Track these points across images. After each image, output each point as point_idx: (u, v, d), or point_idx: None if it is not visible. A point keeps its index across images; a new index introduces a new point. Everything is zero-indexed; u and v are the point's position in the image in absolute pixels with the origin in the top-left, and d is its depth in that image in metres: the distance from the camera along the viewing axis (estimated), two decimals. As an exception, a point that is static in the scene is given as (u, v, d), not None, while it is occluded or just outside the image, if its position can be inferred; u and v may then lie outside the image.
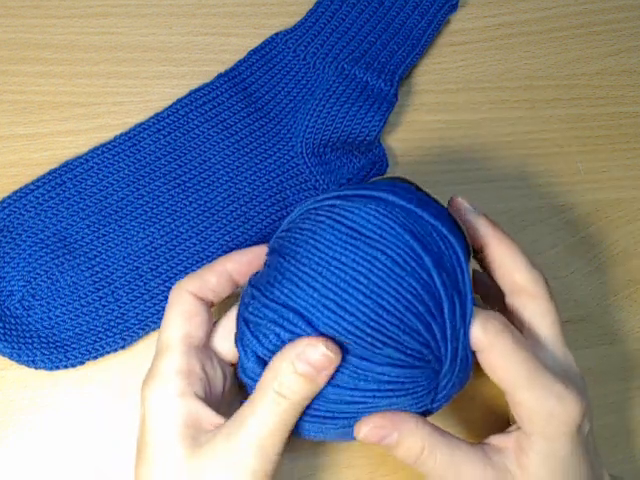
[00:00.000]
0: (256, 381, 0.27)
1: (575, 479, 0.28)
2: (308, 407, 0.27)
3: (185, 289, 0.30)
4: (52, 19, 0.41)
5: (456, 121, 0.43)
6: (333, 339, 0.26)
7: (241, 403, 0.28)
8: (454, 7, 0.43)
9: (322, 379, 0.26)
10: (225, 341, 0.31)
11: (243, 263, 0.31)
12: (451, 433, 0.29)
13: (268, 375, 0.27)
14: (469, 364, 0.28)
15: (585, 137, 0.43)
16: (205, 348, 0.30)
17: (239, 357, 0.28)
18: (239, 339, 0.28)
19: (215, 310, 0.32)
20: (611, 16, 0.46)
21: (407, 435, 0.27)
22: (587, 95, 0.44)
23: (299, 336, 0.26)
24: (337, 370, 0.26)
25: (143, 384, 0.29)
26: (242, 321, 0.28)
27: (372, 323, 0.25)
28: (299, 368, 0.26)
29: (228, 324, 0.31)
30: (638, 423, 0.38)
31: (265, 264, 0.29)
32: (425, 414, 0.29)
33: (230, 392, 0.32)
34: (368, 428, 0.27)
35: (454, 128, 0.43)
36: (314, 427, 0.28)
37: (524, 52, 0.45)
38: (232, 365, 0.32)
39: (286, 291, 0.26)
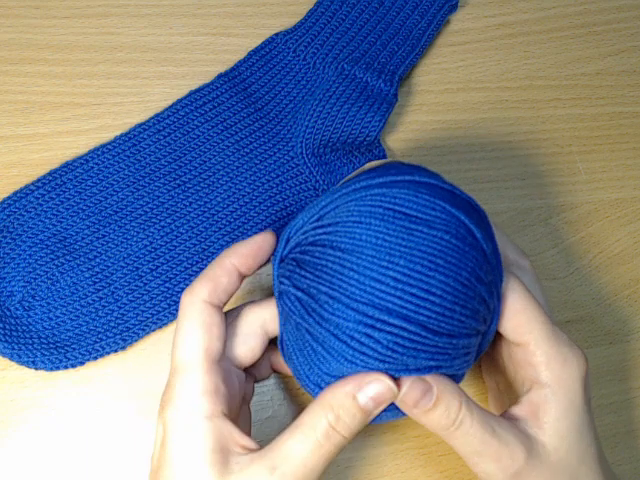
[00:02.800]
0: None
1: (588, 430, 0.29)
2: None
3: (198, 297, 0.28)
4: (52, 19, 0.41)
5: (456, 121, 0.43)
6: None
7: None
8: (454, 7, 0.43)
9: (374, 415, 0.26)
10: (241, 345, 0.30)
11: (248, 256, 0.29)
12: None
13: (323, 405, 0.26)
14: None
15: (585, 137, 0.43)
16: (222, 359, 0.29)
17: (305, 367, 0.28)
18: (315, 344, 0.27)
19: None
20: (611, 16, 0.46)
21: (445, 391, 0.27)
22: (587, 95, 0.44)
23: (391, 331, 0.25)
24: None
25: (162, 405, 0.28)
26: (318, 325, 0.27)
27: (456, 299, 0.26)
28: (361, 400, 0.26)
29: (246, 329, 0.30)
30: (638, 423, 0.38)
31: (304, 260, 0.28)
32: None
33: (244, 400, 0.31)
34: (409, 383, 0.26)
35: (454, 128, 0.43)
36: None
37: (524, 52, 0.45)
38: (245, 370, 0.31)
39: (367, 288, 0.25)
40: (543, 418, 0.28)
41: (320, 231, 0.27)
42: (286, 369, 0.32)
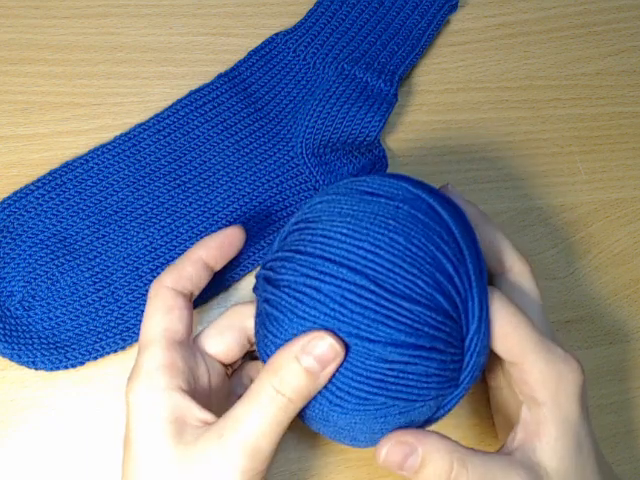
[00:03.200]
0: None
1: (586, 441, 0.28)
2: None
3: (162, 284, 0.30)
4: (52, 19, 0.41)
5: (456, 121, 0.43)
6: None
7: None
8: (454, 7, 0.43)
9: (324, 378, 0.26)
10: (215, 337, 0.31)
11: (214, 247, 0.31)
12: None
13: (267, 370, 0.26)
14: (487, 349, 0.28)
15: (585, 137, 0.43)
16: (187, 342, 0.30)
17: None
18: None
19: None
20: (611, 16, 0.46)
21: (432, 450, 0.26)
22: (587, 95, 0.44)
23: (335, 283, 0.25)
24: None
25: (127, 382, 0.29)
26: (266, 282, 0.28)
27: (406, 257, 0.25)
28: (304, 362, 0.25)
29: (223, 323, 0.31)
30: (638, 423, 0.38)
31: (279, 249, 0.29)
32: (431, 421, 0.28)
33: (221, 392, 0.31)
34: (388, 447, 0.26)
35: (454, 128, 0.43)
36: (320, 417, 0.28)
37: (524, 52, 0.45)
38: (225, 365, 0.32)
39: (317, 245, 0.26)
40: (543, 439, 0.28)
41: (293, 222, 0.29)
42: None
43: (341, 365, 0.25)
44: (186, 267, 0.31)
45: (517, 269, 0.32)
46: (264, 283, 0.28)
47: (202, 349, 0.31)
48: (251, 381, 0.33)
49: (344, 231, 0.26)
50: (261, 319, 0.28)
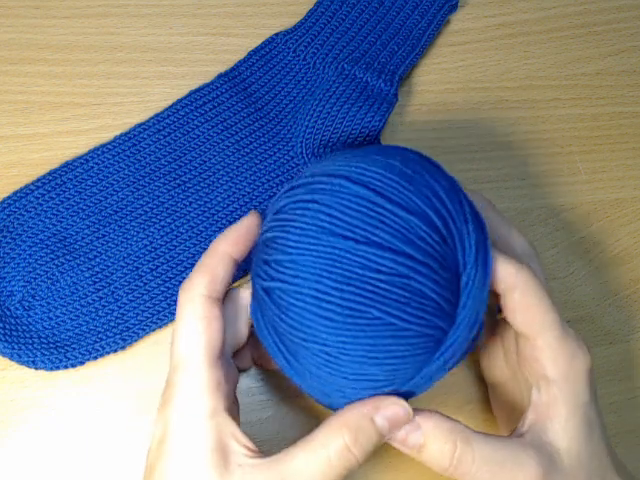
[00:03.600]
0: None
1: (596, 425, 0.29)
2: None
3: (197, 292, 0.28)
4: (52, 19, 0.41)
5: (456, 121, 0.43)
6: None
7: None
8: (454, 7, 0.43)
9: (388, 437, 0.26)
10: (228, 329, 0.29)
11: (239, 241, 0.29)
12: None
13: (341, 424, 0.26)
14: (481, 321, 0.27)
15: (585, 137, 0.43)
16: (223, 353, 0.28)
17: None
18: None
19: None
20: (611, 16, 0.46)
21: (435, 428, 0.26)
22: (587, 95, 0.44)
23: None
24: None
25: (164, 404, 0.27)
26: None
27: (403, 177, 0.26)
28: (378, 422, 0.25)
29: (228, 312, 0.29)
30: (638, 423, 0.38)
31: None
32: (408, 395, 0.28)
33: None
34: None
35: (454, 128, 0.43)
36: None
37: (524, 52, 0.45)
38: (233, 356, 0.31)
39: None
40: (554, 419, 0.28)
41: (271, 219, 0.28)
42: (267, 362, 0.32)
43: (333, 272, 0.25)
44: (217, 268, 0.28)
45: (526, 252, 0.32)
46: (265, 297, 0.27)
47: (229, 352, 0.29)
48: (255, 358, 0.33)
49: (338, 162, 0.27)
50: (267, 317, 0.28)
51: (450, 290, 0.26)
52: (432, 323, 0.26)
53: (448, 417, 0.27)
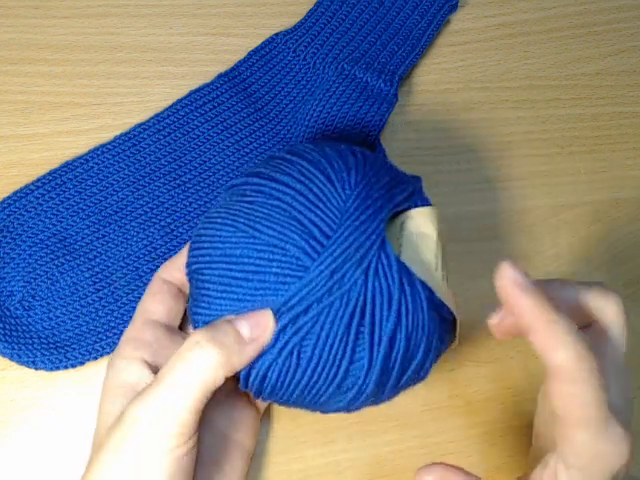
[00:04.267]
0: None
1: None
2: None
3: (157, 275, 0.32)
4: (52, 19, 0.41)
5: (456, 121, 0.43)
6: None
7: None
8: (454, 7, 0.44)
9: (252, 351, 0.26)
10: (157, 301, 0.32)
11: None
12: None
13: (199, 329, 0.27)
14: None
15: (585, 137, 0.43)
16: (169, 325, 0.31)
17: None
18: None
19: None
20: (611, 16, 0.46)
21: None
22: (587, 95, 0.44)
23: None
24: None
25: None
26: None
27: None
28: (237, 324, 0.26)
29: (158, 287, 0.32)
30: (638, 423, 0.38)
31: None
32: None
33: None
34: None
35: (454, 128, 0.43)
36: None
37: (524, 52, 0.45)
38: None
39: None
40: None
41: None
42: None
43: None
44: (180, 257, 0.32)
45: (608, 315, 0.27)
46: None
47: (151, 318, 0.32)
48: None
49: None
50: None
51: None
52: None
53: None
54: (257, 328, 0.26)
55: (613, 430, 0.25)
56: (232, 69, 0.41)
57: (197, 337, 0.25)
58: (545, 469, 0.26)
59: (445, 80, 0.44)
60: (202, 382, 0.25)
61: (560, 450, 0.26)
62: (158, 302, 0.31)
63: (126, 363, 0.29)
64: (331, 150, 0.29)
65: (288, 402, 0.28)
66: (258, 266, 0.26)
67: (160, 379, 0.25)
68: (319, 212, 0.26)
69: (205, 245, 0.28)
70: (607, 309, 0.27)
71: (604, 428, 0.24)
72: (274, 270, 0.26)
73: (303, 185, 0.27)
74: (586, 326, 0.27)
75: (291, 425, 0.35)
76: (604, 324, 0.27)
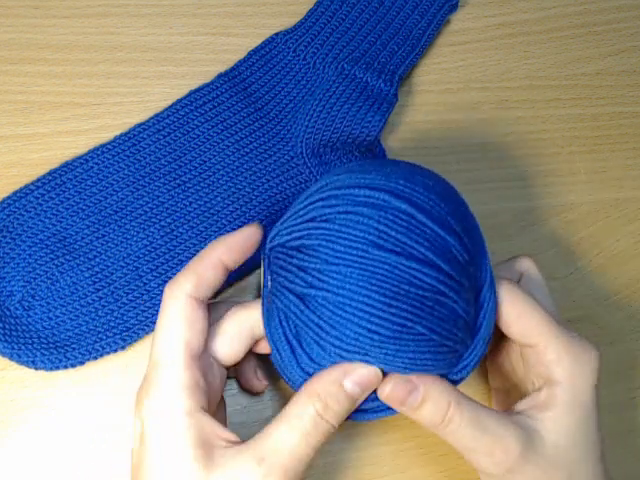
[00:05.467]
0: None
1: (594, 429, 0.29)
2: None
3: (182, 291, 0.28)
4: (52, 19, 0.41)
5: (456, 121, 0.43)
6: None
7: None
8: (454, 7, 0.43)
9: (360, 401, 0.27)
10: (226, 346, 0.29)
11: (235, 249, 0.29)
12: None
13: (310, 393, 0.26)
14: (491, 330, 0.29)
15: (585, 137, 0.43)
16: (203, 354, 0.28)
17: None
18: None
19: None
20: (611, 16, 0.46)
21: (433, 389, 0.27)
22: (587, 95, 0.44)
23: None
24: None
25: (140, 399, 0.27)
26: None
27: (439, 195, 0.27)
28: (347, 386, 0.26)
29: (231, 329, 0.29)
30: (638, 423, 0.38)
31: (292, 254, 0.28)
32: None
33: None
34: (393, 383, 0.26)
35: (454, 128, 0.43)
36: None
37: (524, 52, 0.45)
38: (227, 368, 0.31)
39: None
40: (547, 412, 0.28)
41: (308, 226, 0.28)
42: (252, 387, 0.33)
43: (382, 287, 0.25)
44: (207, 271, 0.28)
45: (524, 265, 0.33)
46: (289, 301, 0.27)
47: (213, 357, 0.29)
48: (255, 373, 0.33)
49: (377, 178, 0.27)
50: (289, 336, 0.28)
51: (472, 308, 0.28)
52: (460, 339, 0.27)
53: (442, 379, 0.28)
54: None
55: (571, 332, 0.29)
56: (232, 69, 0.41)
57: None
58: (533, 397, 0.29)
59: (445, 80, 0.44)
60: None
61: (544, 378, 0.29)
62: (200, 334, 0.28)
63: (192, 420, 0.26)
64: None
65: None
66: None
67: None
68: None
69: None
70: (523, 262, 0.33)
71: (566, 332, 0.29)
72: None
73: None
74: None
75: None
76: (526, 270, 0.33)
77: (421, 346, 0.26)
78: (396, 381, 0.27)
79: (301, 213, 0.28)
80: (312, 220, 0.27)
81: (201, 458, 0.26)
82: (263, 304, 0.29)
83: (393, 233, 0.26)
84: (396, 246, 0.26)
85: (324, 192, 0.28)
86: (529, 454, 0.28)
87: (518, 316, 0.29)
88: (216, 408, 0.30)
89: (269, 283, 0.29)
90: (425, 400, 0.27)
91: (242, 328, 0.29)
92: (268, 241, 0.30)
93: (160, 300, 0.36)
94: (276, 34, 0.42)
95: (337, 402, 0.26)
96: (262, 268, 0.30)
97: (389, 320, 0.25)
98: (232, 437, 0.27)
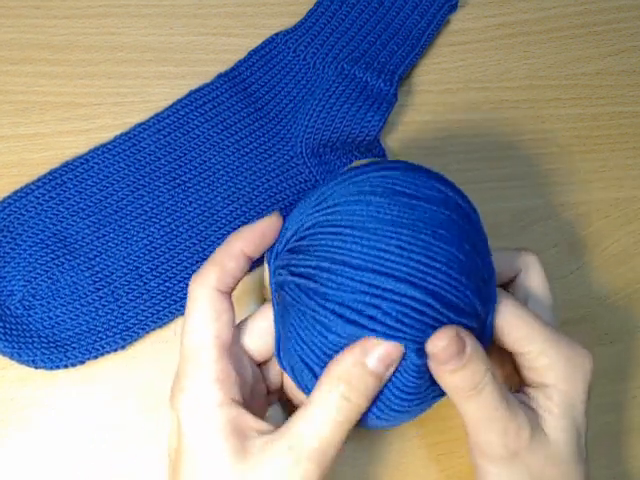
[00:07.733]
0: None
1: (583, 431, 0.29)
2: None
3: (207, 284, 0.28)
4: (53, 19, 0.42)
5: (456, 121, 0.43)
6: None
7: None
8: (454, 7, 0.44)
9: (387, 377, 0.26)
10: (257, 340, 0.30)
11: (255, 240, 0.29)
12: None
13: (331, 377, 0.26)
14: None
15: (585, 137, 0.43)
16: (233, 346, 0.29)
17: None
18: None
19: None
20: (611, 16, 0.46)
21: (476, 353, 0.26)
22: (587, 95, 0.44)
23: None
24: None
25: (174, 395, 0.28)
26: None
27: (461, 269, 0.26)
28: (370, 364, 0.25)
29: (262, 324, 0.30)
30: (638, 423, 0.38)
31: (301, 246, 0.27)
32: None
33: (258, 390, 0.31)
34: (449, 338, 0.25)
35: (454, 128, 0.43)
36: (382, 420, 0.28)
37: (524, 52, 0.45)
38: (258, 365, 0.31)
39: (372, 258, 0.25)
40: (546, 413, 0.28)
41: (317, 214, 0.27)
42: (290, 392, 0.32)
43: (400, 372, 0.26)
44: (229, 264, 0.28)
45: (526, 262, 0.32)
46: (300, 292, 0.26)
47: (245, 350, 0.30)
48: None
49: (400, 244, 0.25)
50: (303, 330, 0.27)
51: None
52: None
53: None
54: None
55: (563, 337, 0.29)
56: (232, 69, 0.41)
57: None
58: (535, 391, 0.29)
59: (445, 80, 0.44)
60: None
61: (538, 384, 0.29)
62: (227, 325, 0.28)
63: (224, 411, 0.26)
64: None
65: None
66: None
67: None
68: None
69: None
70: (526, 258, 0.32)
71: (555, 336, 0.28)
72: None
73: None
74: (512, 280, 0.32)
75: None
76: (526, 268, 0.32)
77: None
78: (451, 337, 0.25)
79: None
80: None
81: (235, 449, 0.26)
82: (274, 310, 0.29)
83: (407, 328, 0.25)
84: (409, 340, 0.26)
85: (354, 187, 0.28)
86: (534, 443, 0.27)
87: (510, 324, 0.28)
88: (252, 399, 0.30)
89: (278, 278, 0.29)
90: (469, 363, 0.26)
91: (272, 323, 0.30)
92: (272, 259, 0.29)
93: (160, 300, 0.36)
94: (276, 34, 0.42)
95: (362, 382, 0.25)
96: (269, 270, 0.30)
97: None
98: (264, 427, 0.27)
